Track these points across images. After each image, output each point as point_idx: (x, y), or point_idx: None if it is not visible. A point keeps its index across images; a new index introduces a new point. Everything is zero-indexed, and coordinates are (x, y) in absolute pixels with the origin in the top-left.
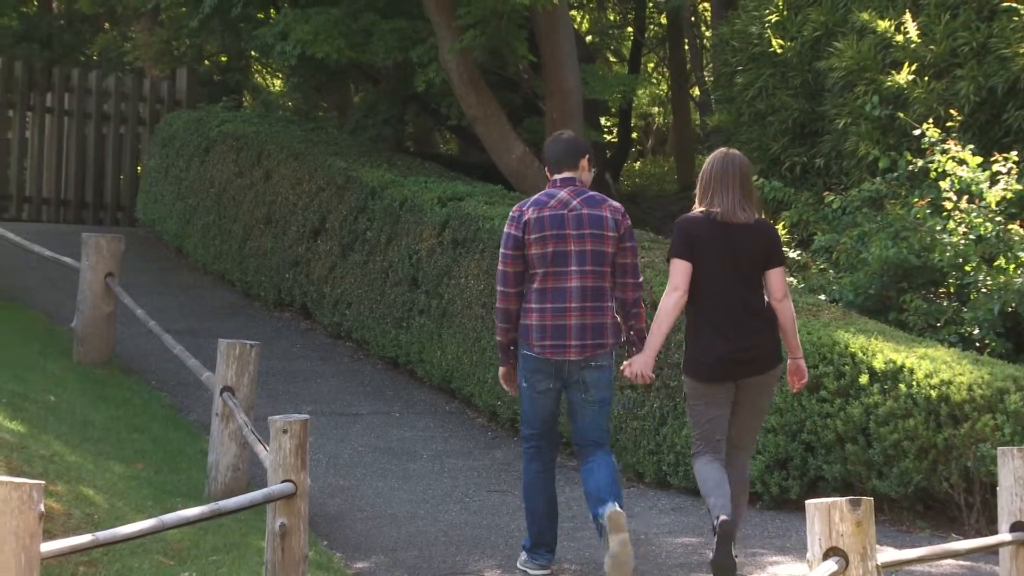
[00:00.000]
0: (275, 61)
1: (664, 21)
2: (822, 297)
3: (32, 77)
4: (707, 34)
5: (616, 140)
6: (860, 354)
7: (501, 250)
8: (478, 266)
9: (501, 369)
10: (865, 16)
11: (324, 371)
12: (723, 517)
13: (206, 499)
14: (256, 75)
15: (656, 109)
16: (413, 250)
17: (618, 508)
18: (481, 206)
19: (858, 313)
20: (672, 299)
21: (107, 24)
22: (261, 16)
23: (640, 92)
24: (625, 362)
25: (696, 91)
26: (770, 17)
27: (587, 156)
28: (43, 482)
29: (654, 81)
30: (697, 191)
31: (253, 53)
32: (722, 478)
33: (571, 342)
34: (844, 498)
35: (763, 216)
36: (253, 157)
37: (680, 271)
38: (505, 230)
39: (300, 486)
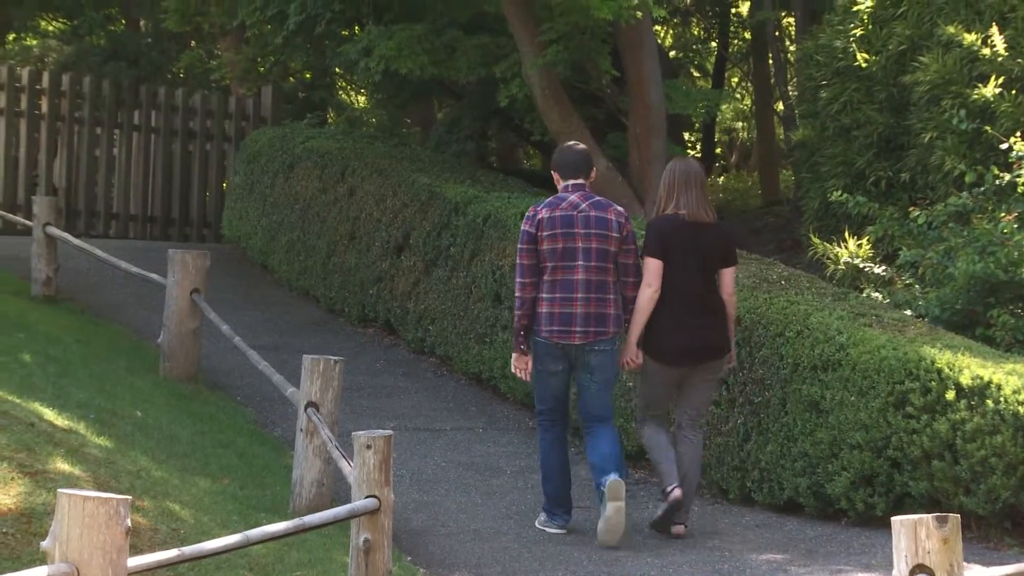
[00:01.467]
0: (359, 77)
1: (748, 36)
2: (908, 312)
3: (119, 95)
4: (791, 49)
5: (700, 155)
6: (947, 370)
7: (519, 245)
8: None
9: (514, 355)
10: (951, 29)
11: (407, 387)
12: (676, 492)
13: (291, 514)
14: (340, 92)
15: (740, 124)
16: (496, 266)
17: (618, 478)
18: None
19: (944, 328)
20: (647, 295)
21: (193, 42)
22: (345, 33)
23: (724, 107)
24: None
25: (780, 106)
26: (855, 31)
27: (594, 168)
28: (130, 497)
29: (738, 96)
30: (662, 196)
31: (337, 70)
32: (669, 445)
33: (576, 328)
34: (931, 515)
35: (719, 219)
36: (337, 173)
37: (654, 270)
38: (522, 227)
39: (384, 501)
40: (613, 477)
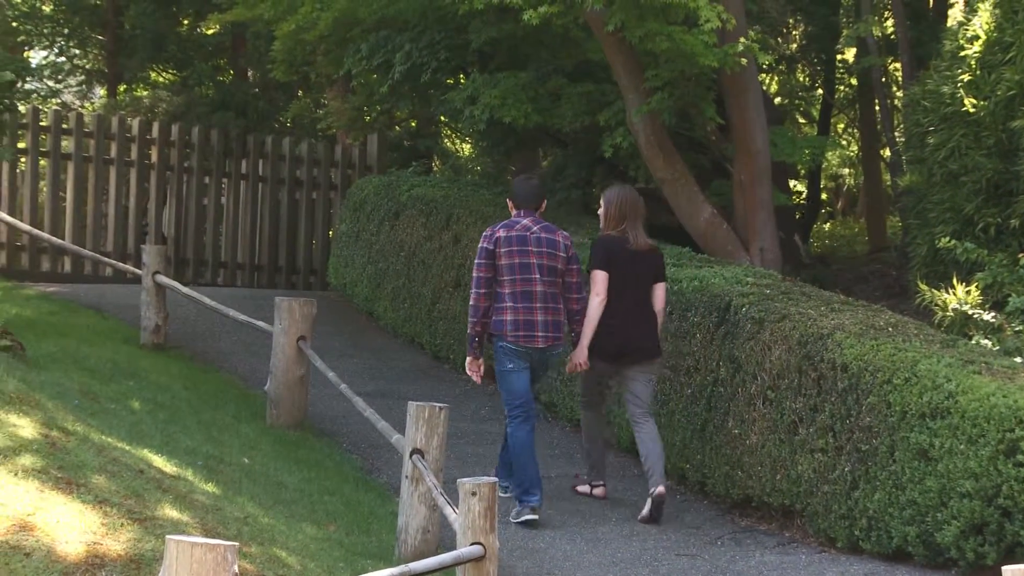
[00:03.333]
0: (464, 126)
1: (854, 82)
2: (1018, 359)
3: (228, 144)
4: (898, 95)
5: (806, 202)
6: None
7: (476, 260)
8: (666, 329)
9: (468, 359)
10: None
11: None
12: (600, 487)
13: (396, 561)
14: (445, 140)
15: (846, 170)
16: None
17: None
18: (669, 268)
19: None
20: (596, 303)
21: (301, 92)
22: (450, 81)
23: (830, 153)
24: (568, 358)
25: (887, 152)
26: (962, 77)
27: (544, 199)
28: (237, 543)
29: (844, 142)
30: (610, 216)
31: (442, 118)
32: (600, 435)
33: (538, 333)
34: None
35: (654, 242)
36: (442, 221)
37: (602, 280)
38: (480, 245)
39: (489, 548)
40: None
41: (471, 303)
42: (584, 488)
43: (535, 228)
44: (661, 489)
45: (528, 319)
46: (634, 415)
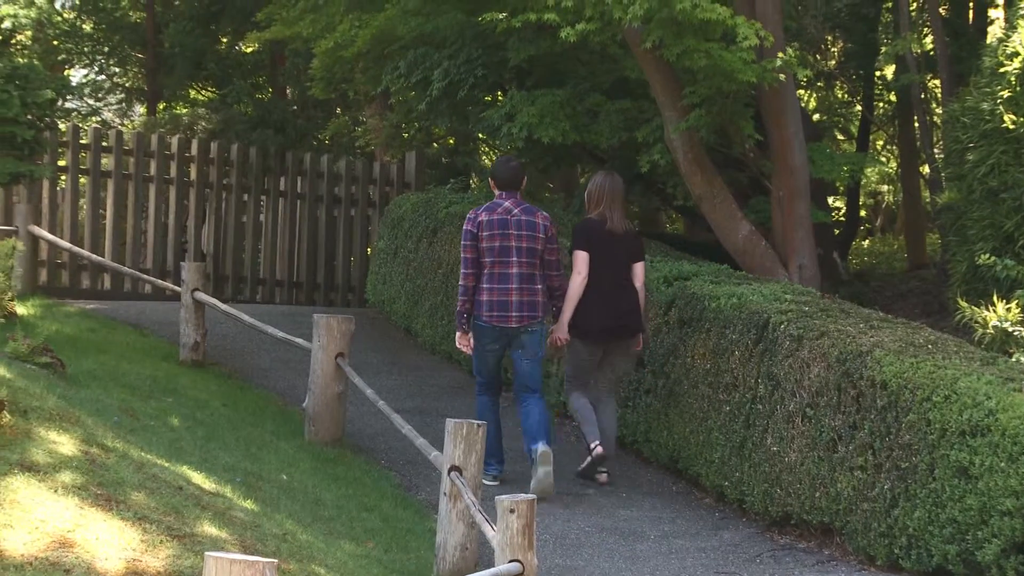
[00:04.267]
0: (502, 143)
1: (893, 99)
2: None
3: (266, 162)
4: (937, 111)
5: (844, 219)
6: None
7: (462, 242)
8: (704, 346)
9: (458, 334)
10: None
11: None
12: (599, 448)
13: None
14: (483, 157)
15: (885, 187)
16: None
17: (547, 447)
18: (707, 286)
19: None
20: (577, 281)
21: (339, 109)
22: (488, 99)
23: (868, 170)
24: (549, 331)
25: (926, 168)
26: (1002, 93)
27: (524, 179)
28: (276, 560)
29: (883, 159)
30: (591, 201)
31: (480, 135)
32: (592, 411)
33: (512, 313)
34: None
35: (632, 224)
36: None
37: (583, 260)
38: (464, 228)
39: (527, 566)
40: (543, 447)
41: (460, 283)
42: (602, 476)
43: (516, 211)
44: (600, 449)
45: (503, 300)
46: (599, 391)
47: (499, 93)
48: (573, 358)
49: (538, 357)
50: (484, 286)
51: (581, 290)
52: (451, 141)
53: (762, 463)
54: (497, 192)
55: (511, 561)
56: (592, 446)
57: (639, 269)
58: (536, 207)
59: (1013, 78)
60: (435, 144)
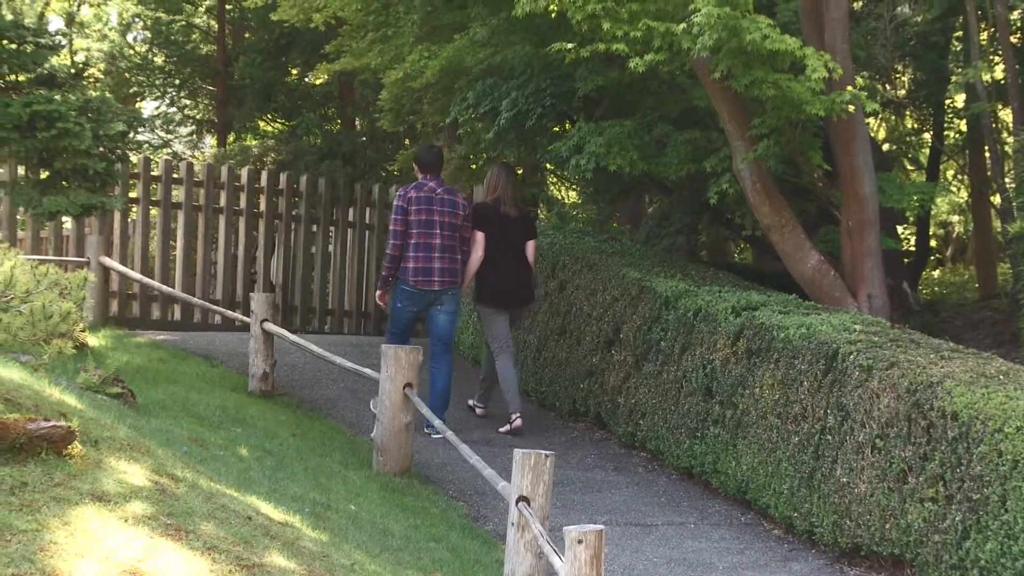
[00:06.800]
0: (570, 173)
1: (964, 128)
2: None
3: (335, 193)
4: (1008, 140)
5: (914, 248)
6: None
7: (393, 216)
8: (773, 376)
9: (378, 292)
10: None
11: (618, 481)
12: (518, 420)
13: None
14: (551, 187)
15: (956, 217)
16: (707, 360)
17: (439, 431)
18: (776, 316)
19: None
20: (475, 256)
21: (407, 141)
22: (556, 129)
23: (939, 200)
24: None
25: (997, 198)
26: None
27: (443, 163)
28: None
29: (953, 188)
30: (488, 188)
31: (548, 166)
32: (516, 382)
33: (435, 278)
34: None
35: (526, 207)
36: (548, 268)
37: (480, 240)
38: (395, 203)
39: None
40: (435, 430)
41: (388, 251)
42: (504, 429)
43: (439, 191)
44: (520, 422)
45: (427, 267)
46: (500, 349)
47: (567, 123)
48: (490, 325)
49: (453, 313)
50: (410, 254)
51: (478, 264)
52: (519, 172)
53: (831, 494)
54: (421, 175)
55: None
56: (512, 417)
57: (531, 247)
58: (455, 190)
59: None
60: None
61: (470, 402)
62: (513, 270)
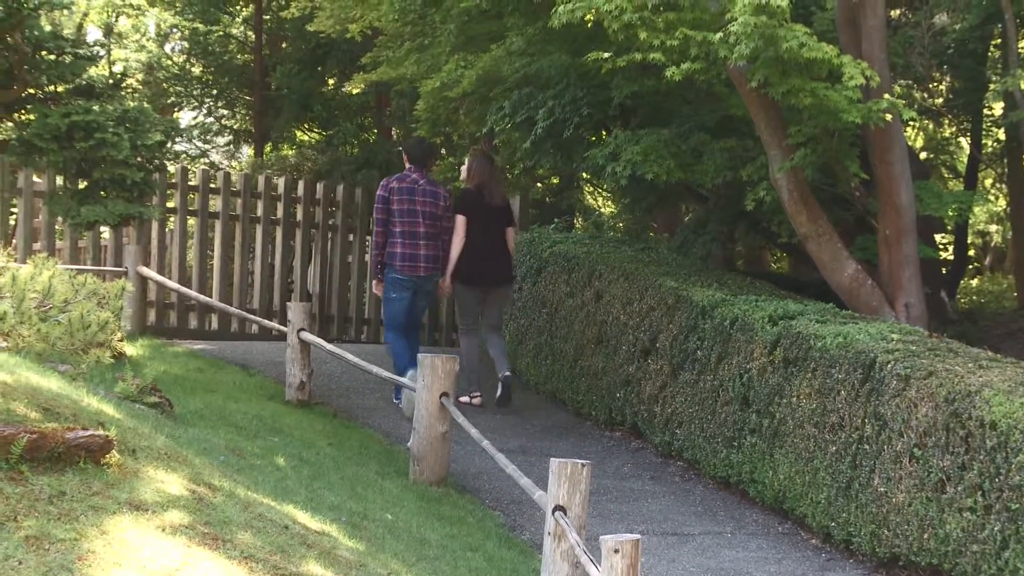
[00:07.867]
0: (606, 182)
1: (1002, 136)
2: None
3: (372, 202)
4: None
5: (952, 257)
6: None
7: (375, 205)
8: (810, 385)
9: (374, 282)
10: None
11: (655, 490)
12: (477, 398)
13: None
14: (587, 196)
15: (994, 226)
16: (744, 369)
17: (406, 401)
18: (813, 325)
19: None
20: (457, 243)
21: (443, 151)
22: (592, 138)
23: (977, 209)
24: (439, 283)
25: None
26: None
27: (432, 159)
28: None
29: (992, 197)
30: (470, 176)
31: (584, 175)
32: (476, 362)
33: (420, 264)
34: None
35: (507, 195)
36: (584, 278)
37: (461, 225)
38: (378, 193)
39: None
40: (404, 402)
41: (374, 239)
42: (465, 399)
43: (422, 182)
44: (478, 401)
45: (413, 252)
46: (488, 332)
47: (603, 132)
48: (460, 301)
49: (430, 295)
50: (397, 241)
51: (460, 249)
52: (555, 181)
53: (869, 504)
54: (408, 166)
55: None
56: (471, 395)
57: (510, 233)
58: (437, 182)
59: None
60: (539, 184)
61: (463, 399)
62: (489, 252)
